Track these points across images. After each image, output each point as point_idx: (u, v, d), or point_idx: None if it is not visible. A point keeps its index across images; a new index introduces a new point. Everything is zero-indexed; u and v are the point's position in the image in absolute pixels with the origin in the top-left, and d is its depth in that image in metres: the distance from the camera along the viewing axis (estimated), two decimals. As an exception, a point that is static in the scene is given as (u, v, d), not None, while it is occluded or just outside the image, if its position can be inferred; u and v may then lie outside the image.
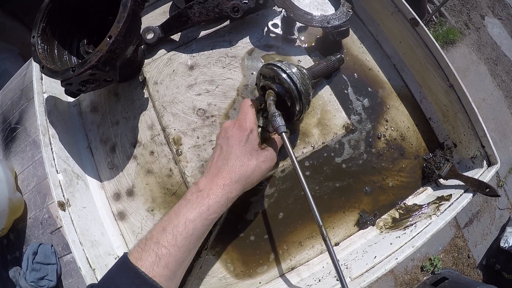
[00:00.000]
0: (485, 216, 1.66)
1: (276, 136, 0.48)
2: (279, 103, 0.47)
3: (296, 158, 0.44)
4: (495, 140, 1.78)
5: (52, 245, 0.86)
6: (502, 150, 1.76)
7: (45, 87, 0.61)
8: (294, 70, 0.47)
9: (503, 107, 1.89)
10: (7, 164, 0.99)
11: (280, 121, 0.43)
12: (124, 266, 0.37)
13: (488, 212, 1.66)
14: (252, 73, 0.59)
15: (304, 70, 0.51)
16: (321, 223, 0.41)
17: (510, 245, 1.51)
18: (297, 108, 0.47)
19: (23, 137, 1.00)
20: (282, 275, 0.53)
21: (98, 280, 0.47)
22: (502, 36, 2.12)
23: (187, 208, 0.40)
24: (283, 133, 0.43)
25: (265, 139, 0.49)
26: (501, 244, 1.54)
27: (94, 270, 0.48)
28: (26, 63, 1.18)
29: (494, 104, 1.87)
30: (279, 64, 0.47)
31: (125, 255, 0.38)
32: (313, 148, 0.55)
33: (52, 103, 0.61)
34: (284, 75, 0.46)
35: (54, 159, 0.55)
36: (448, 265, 1.56)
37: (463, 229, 1.62)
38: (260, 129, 0.48)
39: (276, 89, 0.47)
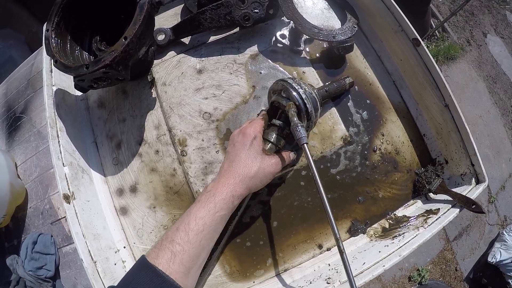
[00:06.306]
0: (474, 231, 1.69)
1: (284, 153, 0.50)
2: (287, 120, 0.49)
3: (315, 167, 0.44)
4: (489, 156, 1.81)
5: (51, 236, 0.88)
6: (495, 167, 1.80)
7: (55, 79, 0.62)
8: (306, 89, 0.49)
9: (499, 124, 1.92)
10: (8, 153, 1.01)
11: (302, 132, 0.44)
12: (143, 265, 0.39)
13: (477, 227, 1.69)
14: (260, 73, 0.61)
15: (315, 90, 0.52)
16: (338, 236, 0.43)
17: (497, 260, 1.54)
18: (304, 127, 0.49)
19: (28, 127, 1.02)
20: (275, 276, 0.55)
21: (99, 272, 0.49)
22: (502, 54, 2.16)
23: (196, 207, 0.43)
24: (305, 144, 0.44)
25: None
26: (489, 259, 1.57)
27: (95, 262, 0.50)
28: (34, 53, 1.19)
29: (490, 121, 1.90)
30: (290, 82, 0.49)
31: (143, 256, 0.41)
32: (312, 156, 0.57)
33: (60, 96, 0.62)
34: (294, 93, 0.47)
35: (61, 152, 0.56)
36: (436, 277, 1.58)
37: (452, 242, 1.65)
38: (270, 144, 0.50)
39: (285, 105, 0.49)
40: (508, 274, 1.53)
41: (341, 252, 0.41)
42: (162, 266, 0.38)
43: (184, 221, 0.42)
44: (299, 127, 0.45)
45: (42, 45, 0.55)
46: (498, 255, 1.55)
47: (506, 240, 1.57)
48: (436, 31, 2.05)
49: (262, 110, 0.58)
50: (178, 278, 0.38)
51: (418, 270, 1.56)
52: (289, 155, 0.49)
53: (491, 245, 1.65)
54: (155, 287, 0.37)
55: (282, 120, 0.50)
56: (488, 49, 2.13)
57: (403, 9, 0.62)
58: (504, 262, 1.53)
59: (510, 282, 1.52)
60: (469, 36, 2.15)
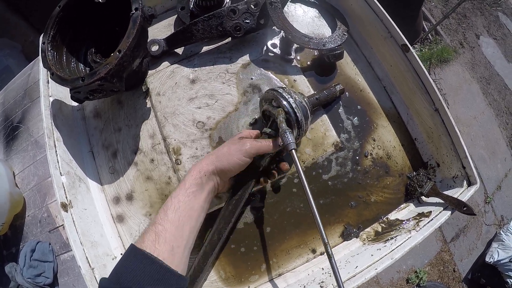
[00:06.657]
0: (471, 231, 1.69)
1: (263, 140, 0.50)
2: (277, 129, 0.49)
3: (303, 171, 0.45)
4: (484, 157, 1.82)
5: (49, 243, 0.88)
6: (490, 167, 1.81)
7: (51, 90, 0.63)
8: (296, 97, 0.50)
9: (493, 125, 1.93)
10: (6, 163, 1.02)
11: (290, 138, 0.46)
12: (132, 252, 0.41)
13: (474, 227, 1.70)
14: (251, 78, 0.63)
15: (305, 98, 0.54)
16: (326, 241, 0.43)
17: (495, 260, 1.54)
18: (295, 135, 0.50)
19: (25, 137, 1.02)
20: (269, 281, 0.56)
21: (97, 278, 0.50)
22: (495, 55, 2.17)
23: (174, 191, 0.47)
24: (293, 150, 0.45)
25: None
26: (487, 259, 1.57)
27: (93, 269, 0.51)
28: (31, 63, 1.20)
29: (485, 122, 1.91)
30: (280, 91, 0.50)
31: (132, 244, 0.42)
32: (304, 163, 0.58)
33: (57, 107, 0.63)
34: (285, 102, 0.48)
35: (58, 162, 0.57)
36: (434, 278, 1.58)
37: (449, 243, 1.65)
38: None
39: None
40: (506, 273, 1.53)
41: (329, 256, 0.42)
42: (149, 248, 0.40)
43: (164, 205, 0.45)
44: (287, 133, 0.46)
45: (38, 55, 0.56)
46: (496, 255, 1.55)
47: (504, 240, 1.58)
48: (429, 34, 2.07)
49: (254, 119, 0.60)
50: (165, 257, 0.40)
51: (416, 272, 1.56)
52: (269, 143, 0.49)
53: (488, 245, 1.66)
54: (145, 268, 0.38)
55: (273, 128, 0.51)
56: (481, 51, 2.15)
57: (394, 13, 0.63)
58: (502, 261, 1.53)
59: (509, 281, 1.53)
60: (462, 39, 2.17)
